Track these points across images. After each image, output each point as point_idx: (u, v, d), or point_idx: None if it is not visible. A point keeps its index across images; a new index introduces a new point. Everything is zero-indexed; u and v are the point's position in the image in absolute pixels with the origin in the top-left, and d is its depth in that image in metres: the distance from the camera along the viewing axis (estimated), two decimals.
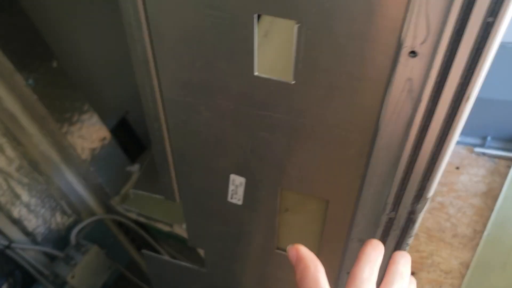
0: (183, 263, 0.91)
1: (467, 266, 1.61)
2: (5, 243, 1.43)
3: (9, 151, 1.45)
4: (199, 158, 0.66)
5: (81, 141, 1.44)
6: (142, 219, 1.56)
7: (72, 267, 1.55)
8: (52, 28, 1.39)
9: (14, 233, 1.48)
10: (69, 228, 1.67)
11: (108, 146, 1.53)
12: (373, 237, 0.63)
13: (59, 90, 1.35)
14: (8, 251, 1.44)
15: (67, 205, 1.65)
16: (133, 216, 1.58)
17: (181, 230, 1.45)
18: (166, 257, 0.96)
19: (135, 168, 1.63)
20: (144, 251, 0.96)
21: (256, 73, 0.52)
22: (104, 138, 1.51)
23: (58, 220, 1.64)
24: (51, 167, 1.54)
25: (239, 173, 0.67)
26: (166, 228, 1.50)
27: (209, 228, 0.79)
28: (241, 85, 0.53)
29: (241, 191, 0.69)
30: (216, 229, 0.79)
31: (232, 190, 0.69)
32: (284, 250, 0.77)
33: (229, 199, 0.71)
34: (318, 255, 0.66)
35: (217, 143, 0.63)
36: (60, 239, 1.66)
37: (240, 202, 0.71)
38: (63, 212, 1.65)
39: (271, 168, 0.63)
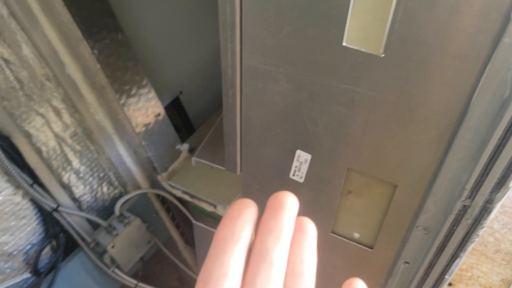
0: None
1: (508, 284, 1.55)
2: (54, 205, 1.47)
3: (66, 117, 1.49)
4: (267, 129, 0.66)
5: (136, 114, 1.46)
6: (186, 197, 1.57)
7: (114, 237, 1.58)
8: (120, 1, 1.42)
9: (62, 197, 1.52)
10: (114, 200, 1.71)
11: (161, 123, 1.55)
12: (441, 226, 0.60)
13: (121, 62, 1.38)
14: (56, 214, 1.49)
15: (114, 176, 1.68)
16: (178, 193, 1.60)
17: (224, 211, 1.45)
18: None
19: (184, 147, 1.65)
20: (196, 222, 0.97)
21: (344, 43, 0.51)
22: (158, 114, 1.53)
23: (104, 190, 1.67)
24: (104, 137, 1.57)
25: (306, 149, 0.66)
26: (209, 208, 1.51)
27: (264, 204, 0.79)
28: (326, 55, 0.53)
29: (304, 168, 0.68)
30: None
31: (296, 167, 0.68)
32: (340, 235, 0.76)
33: (291, 175, 0.71)
34: (376, 241, 0.65)
35: (289, 116, 0.63)
36: (104, 209, 1.69)
37: (301, 180, 0.70)
38: (110, 183, 1.68)
39: (342, 146, 0.62)
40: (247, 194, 0.79)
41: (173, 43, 1.69)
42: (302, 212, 0.82)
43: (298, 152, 0.66)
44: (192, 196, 1.55)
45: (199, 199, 1.52)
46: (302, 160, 0.67)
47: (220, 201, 1.47)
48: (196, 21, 1.74)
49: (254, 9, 0.54)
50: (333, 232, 0.77)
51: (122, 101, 1.41)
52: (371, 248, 0.75)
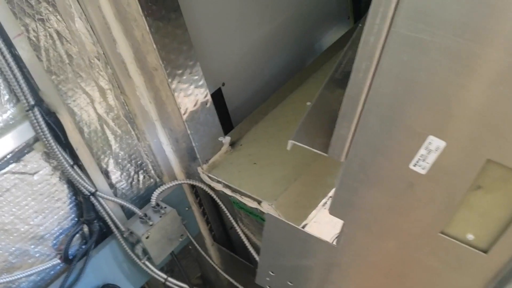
0: (312, 234, 0.85)
1: None
2: (92, 189, 1.40)
3: (111, 98, 1.42)
4: (397, 110, 0.60)
5: (185, 101, 1.39)
6: (227, 191, 1.50)
7: (148, 227, 1.51)
8: None
9: (100, 182, 1.45)
10: (148, 189, 1.64)
11: (208, 112, 1.49)
12: None
13: (176, 44, 1.31)
14: (92, 199, 1.41)
15: (151, 165, 1.61)
16: (218, 186, 1.53)
17: (269, 208, 1.38)
18: (292, 223, 0.90)
19: (226, 140, 1.58)
20: (268, 214, 0.90)
21: None
22: (206, 103, 1.47)
23: (140, 178, 1.60)
24: (147, 123, 1.50)
25: (441, 135, 0.60)
26: (252, 204, 1.44)
27: (365, 197, 0.73)
28: None
29: (432, 157, 0.61)
30: (375, 199, 0.72)
31: (422, 156, 0.62)
32: (450, 236, 0.69)
33: (411, 165, 0.64)
34: (494, 245, 0.58)
35: (430, 95, 0.56)
36: (137, 198, 1.62)
37: (423, 171, 0.64)
38: (146, 172, 1.61)
39: (487, 132, 0.56)
40: (345, 185, 0.73)
41: (220, 31, 1.63)
42: (409, 209, 0.75)
43: (430, 138, 0.60)
44: (234, 190, 1.48)
45: (242, 194, 1.46)
46: (432, 148, 0.60)
47: (265, 197, 1.40)
48: (244, 9, 1.69)
49: None
50: (442, 233, 0.70)
51: (173, 86, 1.35)
52: (485, 252, 0.68)
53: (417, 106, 0.58)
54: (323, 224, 1.40)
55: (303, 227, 1.34)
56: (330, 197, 1.40)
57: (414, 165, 0.63)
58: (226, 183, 1.49)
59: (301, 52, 1.98)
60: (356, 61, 0.58)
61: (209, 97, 1.48)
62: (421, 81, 0.56)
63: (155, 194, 1.52)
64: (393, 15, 0.52)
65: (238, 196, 1.47)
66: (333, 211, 0.78)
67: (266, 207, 1.40)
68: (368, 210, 0.74)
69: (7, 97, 1.21)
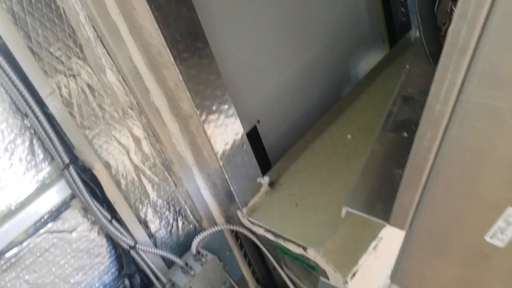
0: None
1: None
2: (131, 243, 1.35)
3: (147, 147, 1.39)
4: (469, 180, 0.53)
5: (222, 144, 1.34)
6: (270, 236, 1.44)
7: (190, 277, 1.45)
8: (205, 11, 1.32)
9: (138, 233, 1.41)
10: (188, 235, 1.59)
11: (245, 154, 1.43)
12: None
13: (210, 90, 1.27)
14: (132, 252, 1.37)
15: (189, 210, 1.56)
16: (260, 231, 1.47)
17: (315, 255, 1.31)
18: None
19: (265, 180, 1.52)
20: (322, 278, 0.83)
21: None
22: (242, 145, 1.42)
23: (180, 225, 1.56)
24: (184, 169, 1.46)
25: None
26: (297, 250, 1.36)
27: (433, 267, 0.65)
28: None
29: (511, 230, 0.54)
30: (444, 270, 0.64)
31: (499, 228, 0.54)
32: None
33: (487, 238, 0.56)
34: None
35: (509, 163, 0.49)
36: (177, 246, 1.58)
37: (501, 244, 0.56)
38: (185, 218, 1.56)
39: None
40: (410, 254, 0.65)
41: (253, 69, 1.58)
42: (483, 281, 0.67)
43: (510, 210, 0.52)
44: (276, 235, 1.41)
45: (285, 239, 1.38)
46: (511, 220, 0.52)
47: (310, 242, 1.33)
48: (276, 45, 1.64)
49: (505, 30, 0.41)
50: None
51: (209, 132, 1.30)
52: None
53: (493, 176, 0.51)
54: (374, 269, 1.32)
55: (354, 274, 1.25)
56: (381, 238, 1.31)
57: (491, 238, 0.56)
58: (267, 227, 1.43)
59: (336, 81, 1.91)
60: (420, 129, 0.51)
61: (245, 138, 1.43)
62: (498, 150, 0.48)
63: (195, 242, 1.47)
64: (462, 82, 0.45)
65: (281, 241, 1.40)
66: (396, 279, 0.71)
67: (312, 254, 1.32)
68: (436, 280, 0.66)
69: (41, 156, 1.19)
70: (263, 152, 1.71)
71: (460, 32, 0.43)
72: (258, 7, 1.51)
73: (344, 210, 0.80)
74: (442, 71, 0.45)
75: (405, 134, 0.82)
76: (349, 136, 1.63)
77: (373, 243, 1.34)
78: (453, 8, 0.94)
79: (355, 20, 1.93)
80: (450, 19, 0.92)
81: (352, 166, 1.50)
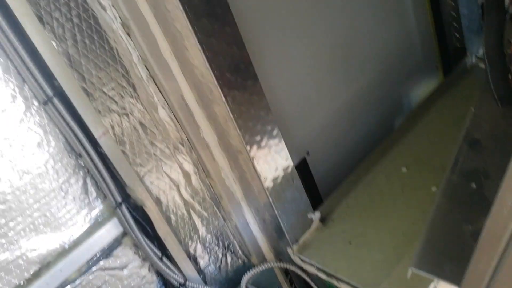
0: None
1: None
2: (181, 280, 1.34)
3: (196, 182, 1.38)
4: None
5: (271, 178, 1.32)
6: (322, 275, 1.39)
7: None
8: (255, 45, 1.31)
9: (188, 269, 1.40)
10: (237, 271, 1.56)
11: (295, 189, 1.40)
12: None
13: (254, 110, 1.24)
14: None
15: (238, 245, 1.54)
16: (312, 269, 1.42)
17: None
18: None
19: (316, 216, 1.48)
20: None
21: None
22: (292, 180, 1.39)
23: (229, 260, 1.53)
24: (233, 204, 1.44)
25: None
26: None
27: None
28: None
29: None
30: None
31: None
32: None
33: None
34: None
35: None
36: (226, 282, 1.55)
37: None
38: (234, 253, 1.54)
39: None
40: None
41: (302, 101, 1.56)
42: None
43: None
44: (329, 275, 1.36)
45: (339, 280, 1.33)
46: None
47: (366, 284, 1.27)
48: (326, 76, 1.61)
49: None
50: None
51: (258, 167, 1.28)
52: None
53: None
54: None
55: None
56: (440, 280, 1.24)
57: None
58: (320, 266, 1.38)
59: (389, 110, 1.85)
60: (499, 196, 0.47)
61: (294, 172, 1.40)
62: None
63: (244, 279, 1.44)
64: None
65: (334, 282, 1.35)
66: None
67: None
68: None
69: (94, 195, 1.20)
70: (313, 185, 1.67)
71: None
72: (308, 36, 1.49)
73: (410, 271, 0.75)
74: None
75: (474, 186, 0.76)
76: (404, 169, 1.56)
77: (432, 285, 1.26)
78: None
79: (408, 47, 1.87)
80: None
81: (408, 201, 1.44)
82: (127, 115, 1.20)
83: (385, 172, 1.60)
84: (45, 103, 1.04)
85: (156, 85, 1.24)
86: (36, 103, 1.05)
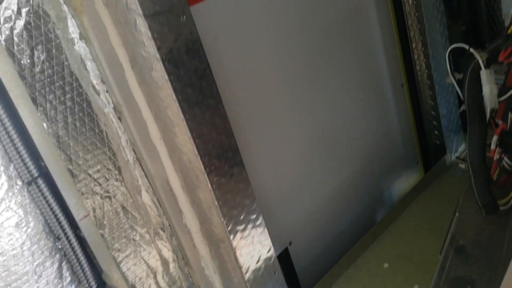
0: None
1: None
2: None
3: (175, 270, 1.34)
4: None
5: (252, 269, 1.29)
6: None
7: None
8: (242, 135, 1.33)
9: None
10: None
11: (276, 282, 1.37)
12: None
13: (239, 198, 1.24)
14: None
15: None
16: None
17: None
18: None
19: None
20: None
21: None
22: (274, 271, 1.36)
23: None
24: None
25: None
26: None
27: None
28: None
29: None
30: None
31: None
32: None
33: None
34: None
35: None
36: None
37: None
38: None
39: None
40: None
41: (287, 189, 1.57)
42: None
43: None
44: None
45: None
46: None
47: None
48: (311, 168, 1.63)
49: None
50: None
51: (241, 259, 1.25)
52: None
53: None
54: None
55: None
56: None
57: None
58: None
59: (370, 203, 1.87)
60: None
61: (277, 264, 1.37)
62: None
63: None
64: None
65: None
66: None
67: None
68: None
69: (68, 279, 1.15)
70: (294, 276, 1.63)
71: None
72: (294, 130, 1.53)
73: None
74: None
75: None
76: (386, 265, 1.55)
77: None
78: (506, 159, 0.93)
79: (389, 142, 1.93)
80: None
81: None
82: (110, 198, 1.18)
83: (367, 267, 1.58)
84: (29, 183, 1.03)
85: (142, 169, 1.23)
86: (19, 182, 1.03)
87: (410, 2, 1.75)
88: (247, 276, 1.28)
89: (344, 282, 1.55)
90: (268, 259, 1.33)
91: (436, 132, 1.99)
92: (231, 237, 1.23)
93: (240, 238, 1.25)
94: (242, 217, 1.24)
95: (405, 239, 1.63)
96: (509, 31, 0.89)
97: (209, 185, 1.16)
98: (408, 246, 1.59)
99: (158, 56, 1.01)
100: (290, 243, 1.61)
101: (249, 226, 1.27)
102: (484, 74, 0.91)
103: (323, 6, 1.53)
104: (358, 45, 1.70)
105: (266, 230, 1.32)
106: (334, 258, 1.65)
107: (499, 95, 0.95)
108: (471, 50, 0.93)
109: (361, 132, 1.79)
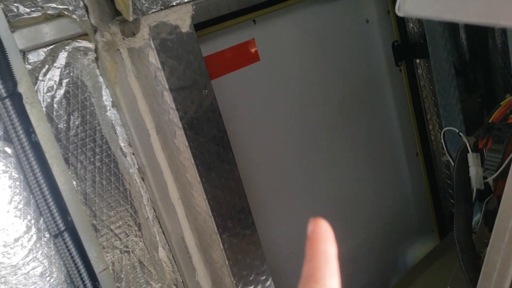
0: None
1: None
2: None
3: None
4: None
5: None
6: None
7: None
8: (255, 198, 1.40)
9: None
10: None
11: None
12: None
13: (249, 259, 1.29)
14: None
15: None
16: None
17: None
18: None
19: None
20: None
21: None
22: None
23: None
24: None
25: None
26: None
27: None
28: None
29: None
30: None
31: None
32: None
33: None
34: None
35: None
36: None
37: None
38: None
39: None
40: None
41: (298, 250, 1.61)
42: None
43: None
44: None
45: None
46: None
47: None
48: None
49: None
50: None
51: None
52: None
53: None
54: None
55: None
56: None
57: None
58: None
59: (384, 269, 1.89)
60: None
61: None
62: None
63: None
64: None
65: None
66: None
67: None
68: None
69: None
70: None
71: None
72: (308, 195, 1.60)
73: None
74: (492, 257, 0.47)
75: None
76: None
77: None
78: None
79: (404, 210, 1.96)
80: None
81: None
82: (128, 252, 1.26)
83: None
84: (55, 236, 1.12)
85: (160, 226, 1.31)
86: (47, 235, 1.12)
87: (424, 76, 1.84)
88: None
89: None
90: None
91: (452, 200, 2.02)
92: (236, 281, 1.28)
93: (244, 284, 1.30)
94: (251, 277, 1.30)
95: None
96: (490, 120, 0.96)
97: (221, 245, 1.22)
98: None
99: (180, 124, 1.12)
100: None
101: (259, 287, 1.32)
102: (470, 157, 0.97)
103: (337, 78, 1.63)
104: (373, 116, 1.79)
105: (270, 276, 1.36)
106: None
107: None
108: (460, 134, 1.01)
109: (376, 199, 1.84)
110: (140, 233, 1.28)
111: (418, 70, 1.87)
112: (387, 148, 1.86)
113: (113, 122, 1.20)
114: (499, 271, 0.43)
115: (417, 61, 1.86)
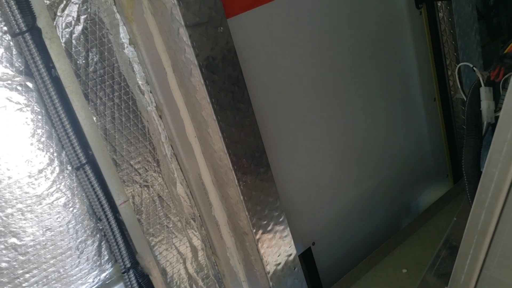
0: None
1: None
2: None
3: (203, 258, 1.45)
4: None
5: (273, 264, 1.38)
6: None
7: None
8: (270, 135, 1.43)
9: None
10: None
11: (295, 277, 1.46)
12: None
13: (263, 196, 1.34)
14: None
15: None
16: None
17: None
18: None
19: None
20: None
21: None
22: (294, 267, 1.45)
23: None
24: (234, 283, 1.50)
25: None
26: None
27: None
28: None
29: None
30: None
31: None
32: None
33: None
34: None
35: None
36: None
37: None
38: None
39: None
40: None
41: (314, 191, 1.65)
42: None
43: None
44: None
45: None
46: None
47: None
48: (340, 171, 1.71)
49: None
50: None
51: (262, 251, 1.35)
52: None
53: None
54: None
55: None
56: None
57: None
58: None
59: (396, 211, 1.93)
60: None
61: (297, 260, 1.46)
62: None
63: None
64: (484, 260, 0.49)
65: None
66: None
67: None
68: None
69: (106, 257, 1.29)
70: (316, 275, 1.72)
71: (479, 217, 0.48)
72: (324, 134, 1.61)
73: None
74: (465, 247, 0.50)
75: None
76: (404, 270, 1.60)
77: None
78: None
79: (419, 154, 1.97)
80: None
81: None
82: (148, 187, 1.31)
83: (386, 271, 1.64)
84: (77, 169, 1.17)
85: (178, 163, 1.36)
86: (69, 167, 1.18)
87: (445, 19, 1.80)
88: (267, 268, 1.38)
89: (363, 284, 1.62)
90: (288, 255, 1.42)
91: None
92: (254, 230, 1.33)
93: (263, 233, 1.35)
94: (265, 213, 1.34)
95: (427, 248, 1.68)
96: (503, 53, 0.95)
97: (236, 182, 1.26)
98: (427, 254, 1.63)
99: (196, 62, 1.13)
100: (314, 243, 1.69)
101: (272, 222, 1.37)
102: (483, 91, 0.97)
103: (357, 19, 1.60)
104: (392, 59, 1.77)
105: (288, 227, 1.41)
106: (356, 260, 1.72)
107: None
108: (474, 69, 1.00)
109: (392, 142, 1.85)
110: (159, 169, 1.32)
111: (439, 14, 1.83)
112: (405, 93, 1.85)
113: (131, 60, 1.22)
114: (496, 183, 0.46)
115: (439, 3, 1.81)
